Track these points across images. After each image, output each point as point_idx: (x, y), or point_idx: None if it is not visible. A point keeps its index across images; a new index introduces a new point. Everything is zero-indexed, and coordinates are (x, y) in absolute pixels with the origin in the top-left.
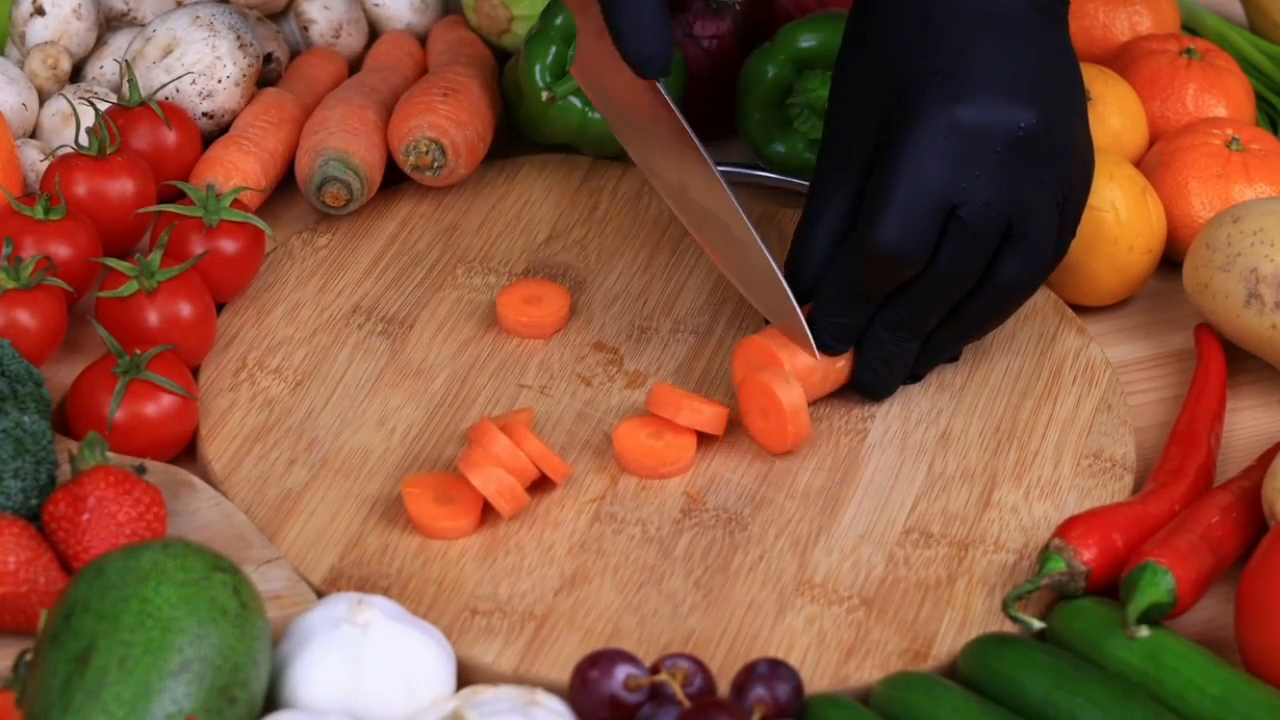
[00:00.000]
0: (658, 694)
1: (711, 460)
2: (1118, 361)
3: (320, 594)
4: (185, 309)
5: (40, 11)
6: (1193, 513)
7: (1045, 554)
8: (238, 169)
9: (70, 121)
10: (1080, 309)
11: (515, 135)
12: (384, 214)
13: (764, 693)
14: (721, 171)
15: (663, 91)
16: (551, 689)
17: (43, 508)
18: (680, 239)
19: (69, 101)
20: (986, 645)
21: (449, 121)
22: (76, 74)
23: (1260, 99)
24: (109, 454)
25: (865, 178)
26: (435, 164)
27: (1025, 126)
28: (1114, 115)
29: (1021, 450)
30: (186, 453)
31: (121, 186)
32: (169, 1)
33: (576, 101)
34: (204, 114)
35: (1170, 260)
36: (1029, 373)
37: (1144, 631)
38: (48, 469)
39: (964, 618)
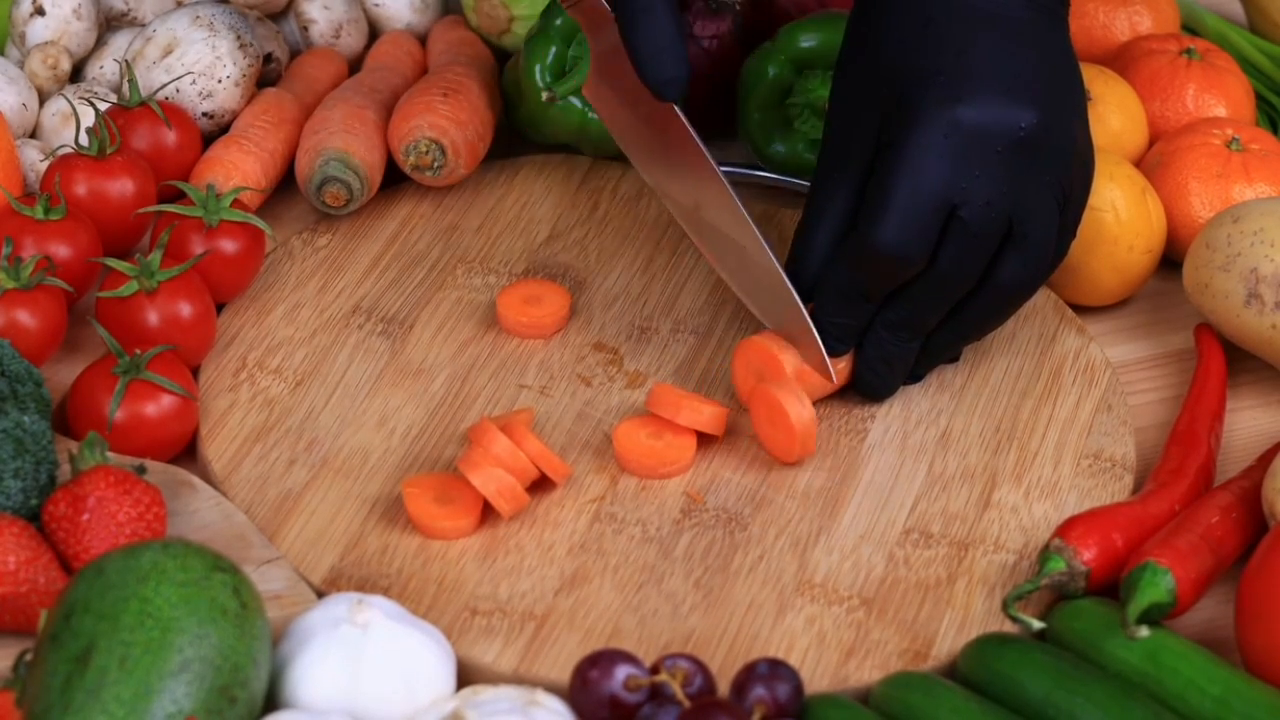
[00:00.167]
0: (658, 694)
1: (711, 460)
2: (1118, 361)
3: (320, 594)
4: (185, 309)
5: (40, 11)
6: (1193, 513)
7: (1045, 554)
8: (238, 169)
9: (70, 121)
10: (1080, 309)
11: (515, 135)
12: (384, 214)
13: (764, 693)
14: (722, 171)
15: (679, 114)
16: (551, 689)
17: (43, 508)
18: (680, 239)
19: (69, 101)
20: (986, 645)
21: (449, 121)
22: (76, 74)
23: (1260, 99)
24: (109, 454)
25: (866, 178)
26: (435, 164)
27: (1026, 127)
28: (1114, 115)
29: (1021, 450)
30: (186, 453)
31: (121, 186)
32: (169, 1)
33: (576, 101)
34: (204, 114)
35: (1170, 260)
36: (1029, 373)
37: (1144, 631)
38: (48, 469)
39: (964, 618)
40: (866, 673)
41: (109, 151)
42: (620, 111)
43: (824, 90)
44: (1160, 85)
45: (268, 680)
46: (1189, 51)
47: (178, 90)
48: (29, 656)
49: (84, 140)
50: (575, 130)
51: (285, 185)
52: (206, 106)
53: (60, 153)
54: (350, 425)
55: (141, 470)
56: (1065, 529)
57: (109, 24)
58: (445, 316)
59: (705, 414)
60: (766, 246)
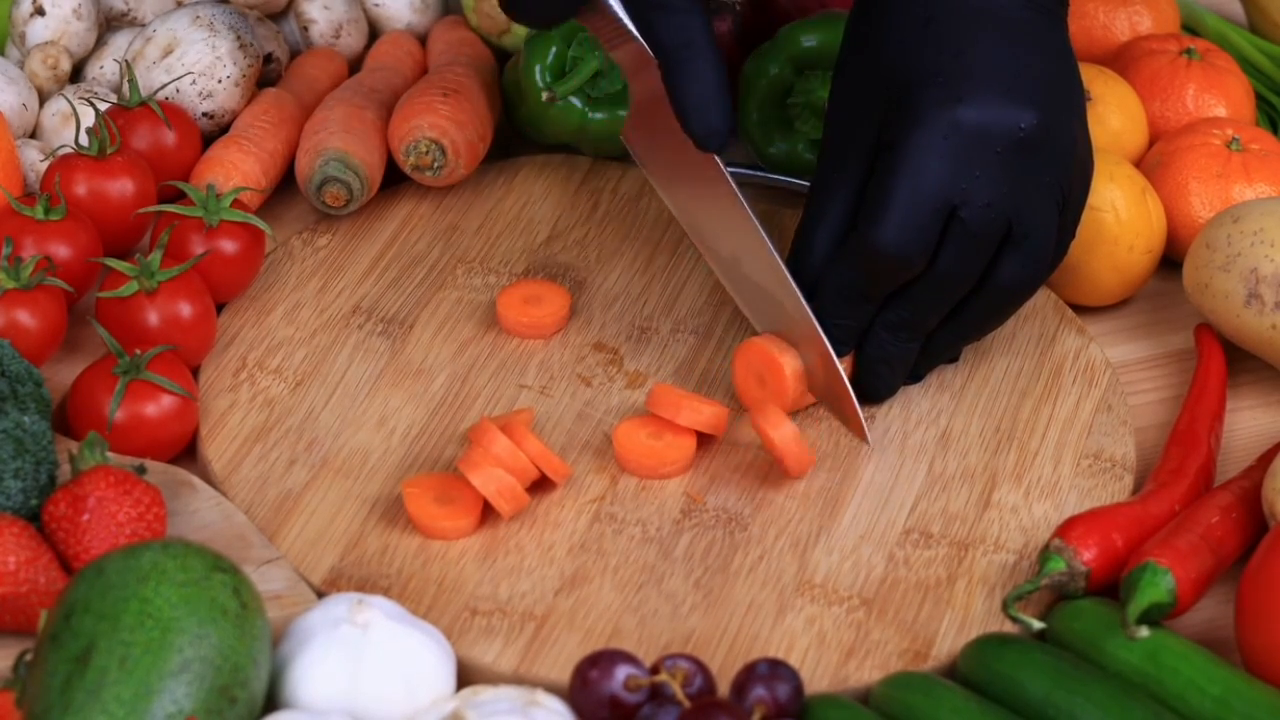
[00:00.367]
0: (658, 694)
1: (711, 460)
2: (1118, 361)
3: (320, 594)
4: (185, 309)
5: (40, 11)
6: (1193, 513)
7: (1045, 554)
8: (238, 169)
9: (70, 121)
10: (1080, 309)
11: (515, 135)
12: (384, 214)
13: (764, 693)
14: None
15: (720, 165)
16: (551, 689)
17: (43, 508)
18: (680, 240)
19: (69, 101)
20: (986, 645)
21: (449, 121)
22: (76, 74)
23: (1260, 99)
24: (109, 454)
25: (866, 178)
26: (435, 164)
27: (1026, 127)
28: (1114, 115)
29: (1021, 450)
30: (186, 453)
31: (121, 186)
32: (169, 1)
33: (576, 101)
34: (204, 114)
35: (1170, 260)
36: (1029, 373)
37: (1144, 631)
38: (48, 469)
39: (964, 618)
40: (866, 673)
41: (109, 151)
42: (659, 156)
43: (824, 90)
44: (1160, 85)
45: (268, 680)
46: (1189, 51)
47: (178, 90)
48: (29, 656)
49: (84, 140)
50: (575, 130)
51: (285, 185)
52: (206, 106)
53: (60, 153)
54: (350, 425)
55: (141, 470)
56: (1065, 529)
57: (109, 24)
58: (445, 317)
59: (705, 414)
60: (804, 303)
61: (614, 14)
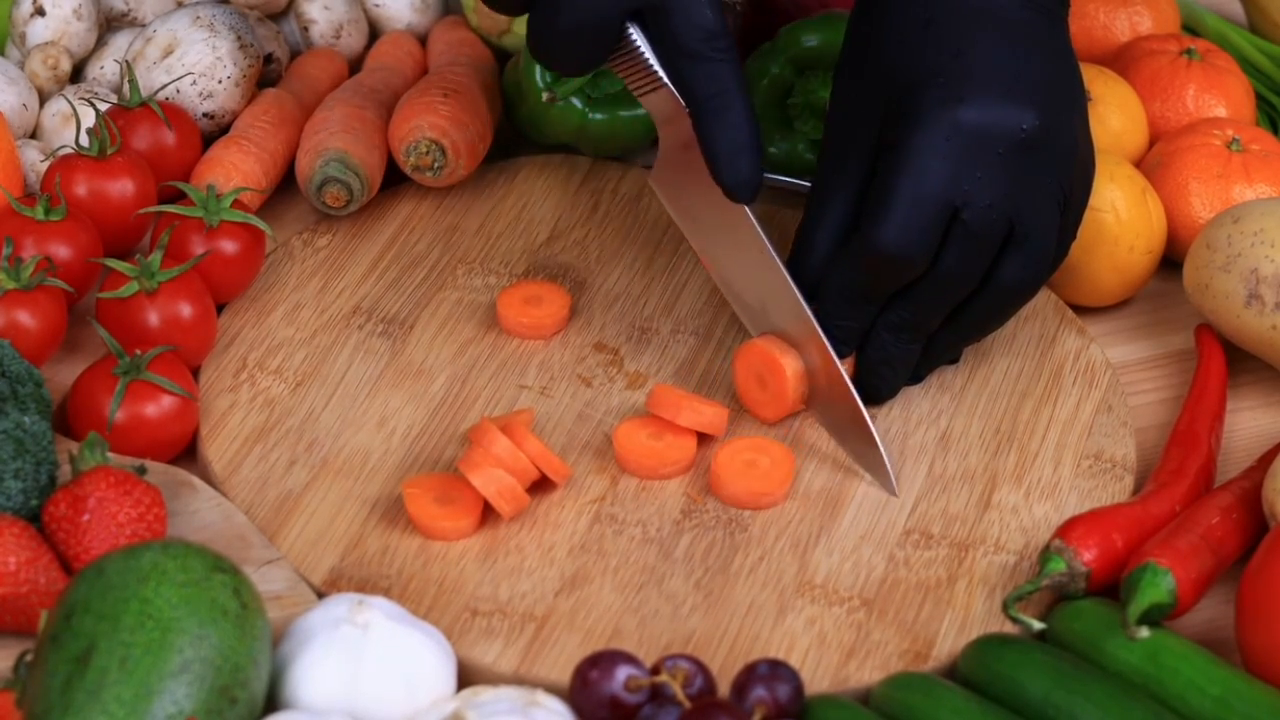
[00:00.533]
0: (658, 695)
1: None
2: (1118, 362)
3: (320, 594)
4: (185, 309)
5: (40, 12)
6: (1193, 513)
7: (1045, 555)
8: (238, 169)
9: (70, 122)
10: (1080, 309)
11: (515, 135)
12: (384, 214)
13: (764, 693)
14: None
15: (750, 214)
16: (552, 690)
17: (43, 508)
18: (680, 241)
19: (69, 102)
20: (987, 646)
21: (449, 122)
22: (77, 74)
23: (1260, 99)
24: (109, 454)
25: (867, 179)
26: (435, 164)
27: (1027, 128)
28: (1114, 115)
29: (1022, 451)
30: (186, 453)
31: (122, 187)
32: (169, 2)
33: (576, 102)
34: (204, 114)
35: (1170, 260)
36: (1029, 374)
37: (1144, 632)
38: (48, 469)
39: (964, 618)
40: (867, 673)
41: (109, 152)
42: (687, 204)
43: (825, 91)
44: (1160, 85)
45: (268, 681)
46: (1189, 52)
47: (178, 90)
48: (29, 657)
49: (84, 140)
50: (575, 130)
51: (285, 185)
52: (207, 107)
53: (60, 153)
54: (350, 426)
55: (141, 471)
56: (1065, 530)
57: (109, 24)
58: (445, 317)
59: (705, 415)
60: (837, 359)
61: (645, 61)
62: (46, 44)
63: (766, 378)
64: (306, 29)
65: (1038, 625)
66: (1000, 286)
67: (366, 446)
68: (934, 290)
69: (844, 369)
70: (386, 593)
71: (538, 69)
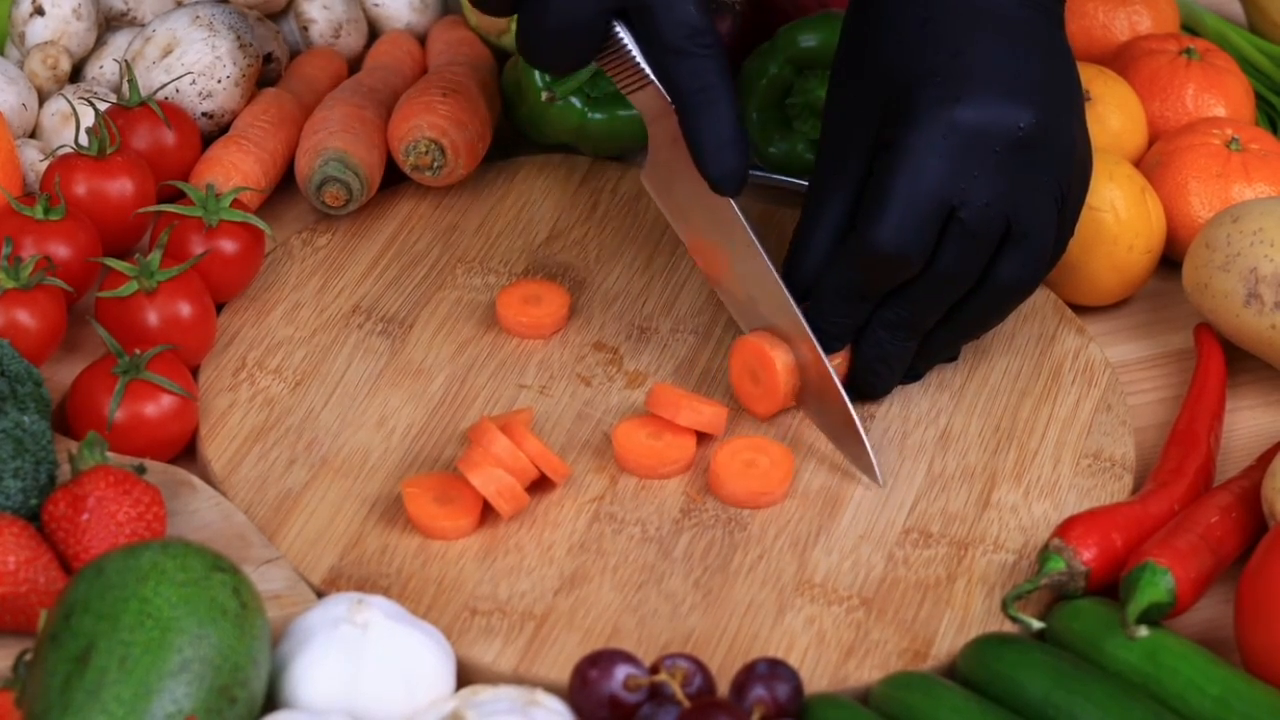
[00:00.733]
0: (657, 694)
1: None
2: (1117, 361)
3: (320, 594)
4: (185, 309)
5: (40, 11)
6: (1192, 513)
7: (1045, 554)
8: (237, 169)
9: (70, 121)
10: (1080, 309)
11: (515, 135)
12: (384, 214)
13: (764, 693)
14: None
15: (736, 209)
16: (551, 689)
17: (42, 508)
18: (679, 240)
19: (69, 101)
20: (986, 645)
21: (449, 121)
22: (76, 74)
23: (1260, 99)
24: (109, 454)
25: (864, 178)
26: (435, 164)
27: (1024, 127)
28: (1114, 115)
29: (1021, 450)
30: (186, 453)
31: (121, 186)
32: (169, 1)
33: (576, 101)
34: (204, 114)
35: (1170, 260)
36: (1028, 373)
37: (1144, 631)
38: (47, 469)
39: (963, 618)
40: (866, 672)
41: (109, 151)
42: (677, 201)
43: (823, 90)
44: (1160, 85)
45: (268, 680)
46: (1189, 51)
47: (177, 90)
48: (29, 656)
49: (84, 140)
50: (575, 130)
51: (285, 185)
52: (206, 106)
53: (60, 153)
54: (350, 425)
55: (141, 470)
56: (1065, 529)
57: (109, 24)
58: (445, 316)
59: (705, 414)
60: (821, 350)
61: (632, 59)
62: (46, 44)
63: (759, 372)
64: (306, 28)
65: (1037, 624)
66: (997, 285)
67: (366, 446)
68: (931, 289)
69: (834, 364)
70: (386, 592)
71: (538, 71)
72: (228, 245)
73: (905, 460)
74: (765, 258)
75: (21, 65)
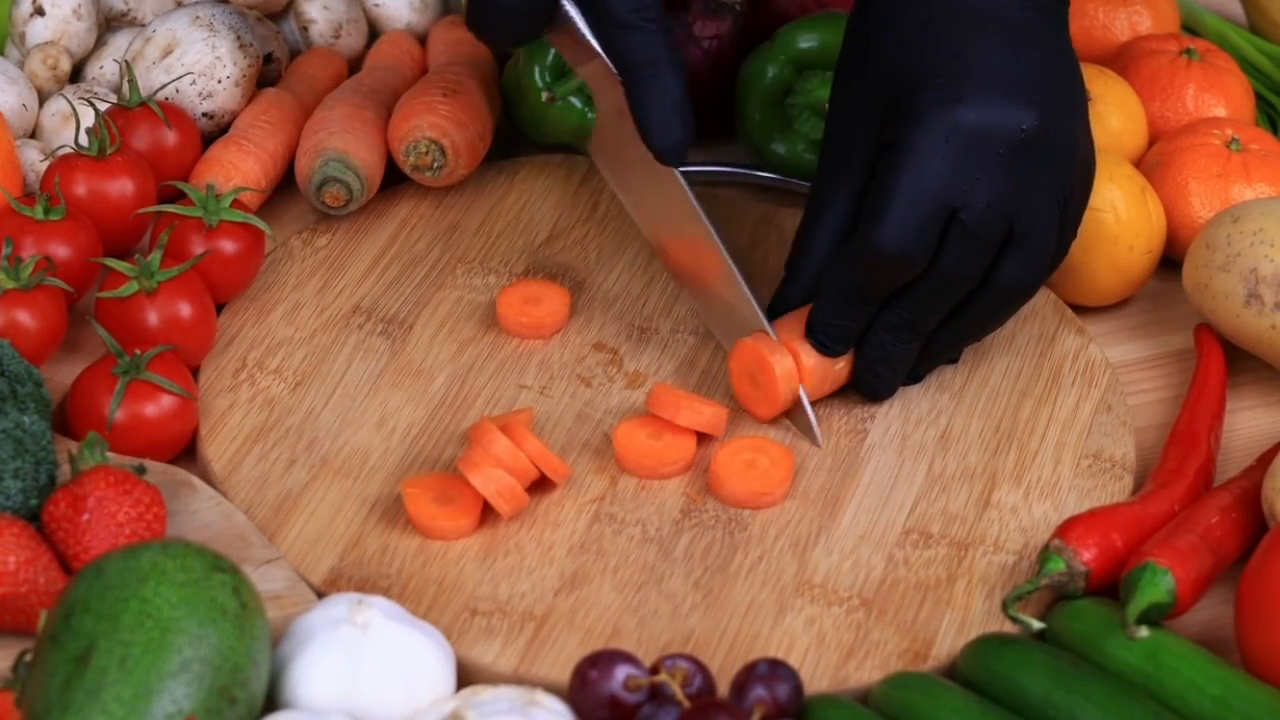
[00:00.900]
0: (657, 694)
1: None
2: (1117, 362)
3: (320, 594)
4: (185, 309)
5: (40, 12)
6: (1192, 513)
7: (1045, 554)
8: (238, 169)
9: (70, 121)
10: (1080, 309)
11: (515, 135)
12: (384, 214)
13: (764, 693)
14: (721, 171)
15: (680, 178)
16: (551, 689)
17: (42, 508)
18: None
19: (69, 101)
20: (986, 645)
21: (449, 122)
22: (76, 74)
23: (1260, 99)
24: (109, 454)
25: (867, 179)
26: (435, 164)
27: (1027, 128)
28: (1114, 115)
29: (1021, 451)
30: (186, 453)
31: (121, 186)
32: (169, 1)
33: (576, 101)
34: (204, 114)
35: (1170, 260)
36: (1029, 373)
37: (1144, 632)
38: (47, 469)
39: (964, 618)
40: (866, 673)
41: (109, 152)
42: (624, 173)
43: (824, 90)
44: (1160, 85)
45: (268, 680)
46: (1189, 51)
47: (177, 90)
48: (29, 656)
49: (84, 140)
50: (575, 130)
51: (285, 185)
52: (206, 106)
53: (60, 153)
54: (350, 425)
55: (141, 470)
56: (1065, 529)
57: (109, 24)
58: (445, 317)
59: (705, 414)
60: (767, 322)
61: (579, 33)
62: (46, 44)
63: (758, 376)
64: (306, 29)
65: (1037, 625)
66: (999, 286)
67: (366, 446)
68: (933, 290)
69: (837, 367)
70: (386, 592)
71: (537, 68)
72: (228, 245)
73: (905, 460)
74: (707, 223)
75: (22, 65)
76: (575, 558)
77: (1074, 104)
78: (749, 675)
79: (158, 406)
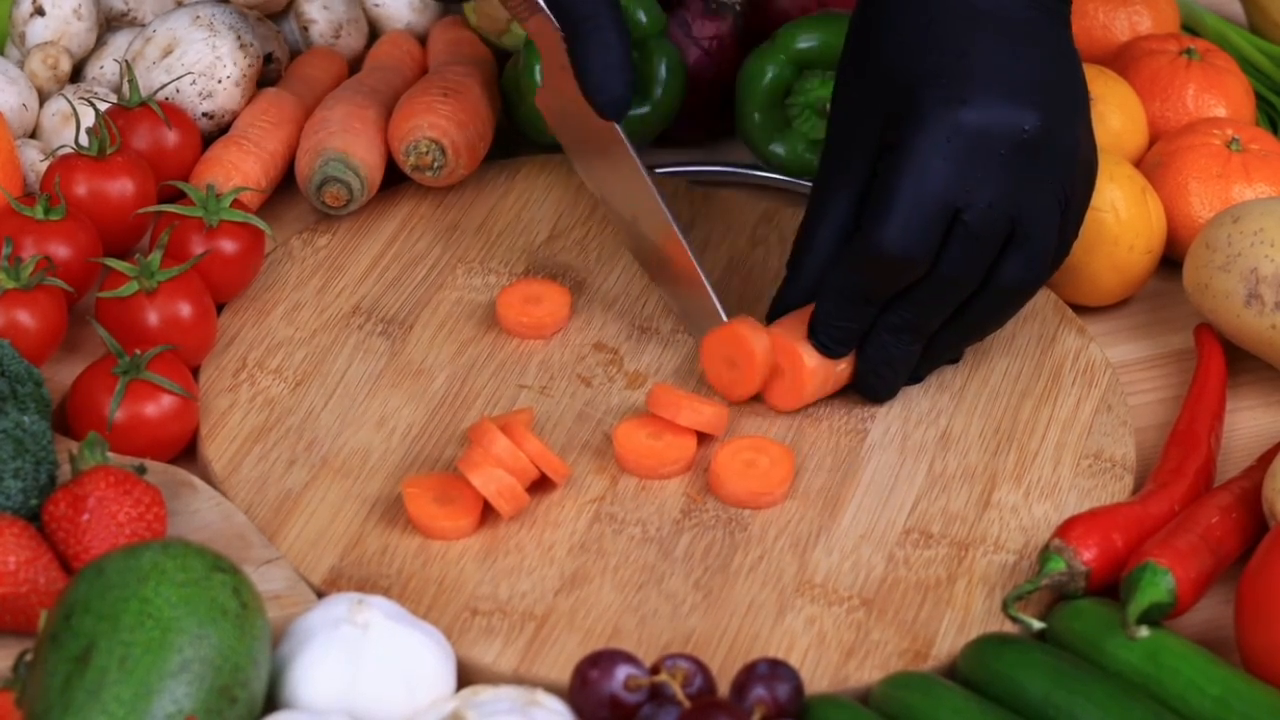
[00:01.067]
0: (658, 694)
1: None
2: (1118, 362)
3: (320, 594)
4: (185, 309)
5: (40, 11)
6: (1193, 513)
7: (1045, 554)
8: (238, 169)
9: (70, 121)
10: (1080, 309)
11: (515, 135)
12: (384, 214)
13: (764, 693)
14: (722, 171)
15: (620, 131)
16: (551, 689)
17: (43, 508)
18: None
19: (69, 101)
20: (986, 645)
21: (449, 121)
22: (76, 74)
23: (1260, 99)
24: (109, 454)
25: (868, 180)
26: (435, 164)
27: (1029, 129)
28: (1114, 115)
29: (1021, 451)
30: (186, 453)
31: (121, 186)
32: (169, 1)
33: None
34: (204, 114)
35: (1170, 260)
36: (1029, 373)
37: (1144, 632)
38: (48, 469)
39: (964, 618)
40: (866, 673)
41: (109, 151)
42: (567, 124)
43: (824, 90)
44: (1160, 85)
45: (268, 680)
46: (1189, 51)
47: (178, 90)
48: (29, 656)
49: (84, 140)
50: None
51: (285, 185)
52: (206, 106)
53: (60, 153)
54: (350, 425)
55: (141, 470)
56: (1065, 529)
57: (109, 24)
58: (445, 316)
59: (705, 414)
60: (696, 260)
61: None
62: (46, 44)
63: (736, 358)
64: (306, 29)
65: (1037, 625)
66: (1001, 287)
67: (366, 446)
68: (935, 291)
69: (840, 369)
70: (386, 592)
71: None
72: (228, 245)
73: (906, 460)
74: (647, 178)
75: (22, 65)
76: (575, 558)
77: (1076, 104)
78: (749, 675)
79: (158, 406)
